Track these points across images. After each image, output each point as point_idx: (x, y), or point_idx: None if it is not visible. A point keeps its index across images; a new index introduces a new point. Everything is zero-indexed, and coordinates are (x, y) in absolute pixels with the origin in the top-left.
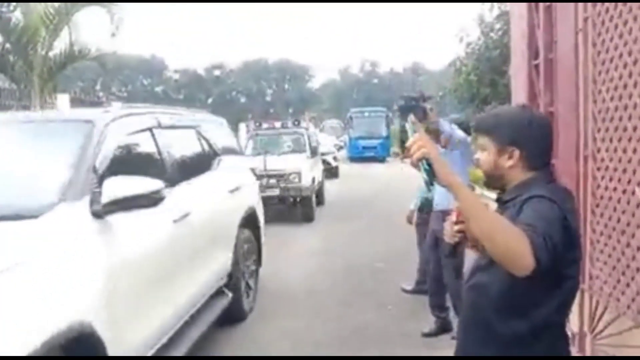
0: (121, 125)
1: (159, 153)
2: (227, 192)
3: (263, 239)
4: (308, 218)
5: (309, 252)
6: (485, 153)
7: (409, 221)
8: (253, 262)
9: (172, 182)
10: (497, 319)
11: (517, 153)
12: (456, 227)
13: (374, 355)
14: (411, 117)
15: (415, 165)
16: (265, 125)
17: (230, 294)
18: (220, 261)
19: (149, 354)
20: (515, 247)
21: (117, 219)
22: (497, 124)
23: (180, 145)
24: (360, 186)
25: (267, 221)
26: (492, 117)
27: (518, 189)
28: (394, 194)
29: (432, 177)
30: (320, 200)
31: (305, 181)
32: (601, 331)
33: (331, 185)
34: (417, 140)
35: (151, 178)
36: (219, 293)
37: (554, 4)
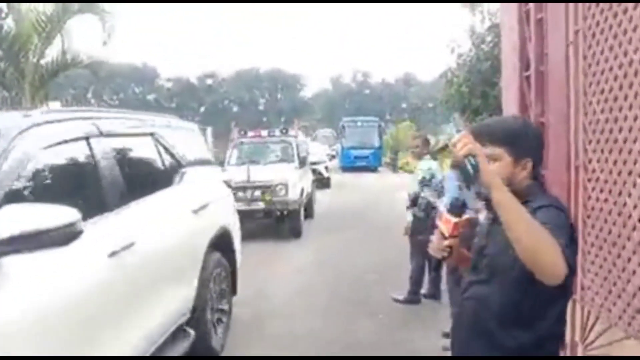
0: (43, 133)
1: (96, 168)
2: (191, 212)
3: (239, 262)
4: (295, 233)
5: (294, 270)
6: (497, 164)
7: (407, 233)
8: (225, 291)
9: (113, 205)
10: (501, 331)
11: (530, 164)
12: (446, 242)
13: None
14: (455, 116)
15: (459, 162)
16: (250, 134)
17: (192, 333)
18: (179, 295)
19: None
20: (553, 255)
21: (14, 262)
22: (515, 136)
23: (128, 158)
24: (352, 197)
25: (251, 237)
26: (506, 129)
27: (518, 197)
28: (386, 205)
29: (475, 175)
30: (309, 213)
31: (293, 194)
32: (592, 342)
33: (322, 196)
34: (463, 137)
35: (66, 206)
36: (180, 332)
37: (545, 16)
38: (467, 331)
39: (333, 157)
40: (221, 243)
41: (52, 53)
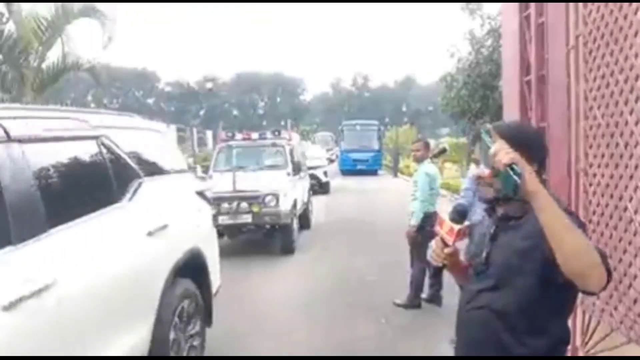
0: None
1: None
2: (144, 235)
3: (215, 288)
4: (288, 250)
5: (283, 297)
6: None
7: (409, 237)
8: (196, 323)
9: (21, 234)
10: (512, 340)
11: (534, 168)
12: (447, 250)
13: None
14: (487, 127)
15: (500, 171)
16: (239, 136)
17: None
18: (128, 342)
19: None
20: (596, 262)
21: None
22: (529, 140)
23: (55, 169)
24: (352, 203)
25: (236, 254)
26: (522, 132)
27: (523, 205)
28: (388, 212)
29: (517, 183)
30: (305, 224)
31: (285, 205)
32: (594, 346)
33: (320, 203)
34: (503, 146)
35: None
36: None
37: (545, 21)
38: (474, 342)
39: (332, 161)
40: (191, 268)
41: (52, 57)
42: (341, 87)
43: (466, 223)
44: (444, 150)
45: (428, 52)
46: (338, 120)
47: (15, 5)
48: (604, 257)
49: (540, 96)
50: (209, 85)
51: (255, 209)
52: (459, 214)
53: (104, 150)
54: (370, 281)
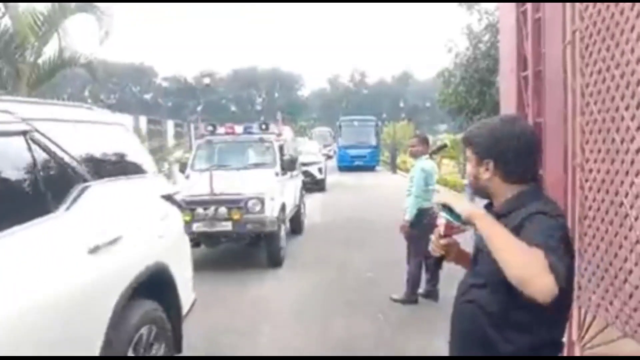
0: None
1: None
2: (86, 251)
3: (187, 307)
4: (274, 261)
5: (266, 316)
6: (469, 165)
7: (403, 231)
8: (160, 350)
9: None
10: (497, 336)
11: (491, 165)
12: (442, 241)
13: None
14: (440, 204)
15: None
16: (221, 130)
17: None
18: None
19: None
20: (540, 280)
21: None
22: (477, 136)
23: None
24: (348, 201)
25: (214, 267)
26: (474, 130)
27: (510, 204)
28: (388, 210)
29: (454, 216)
30: (296, 228)
31: (271, 210)
32: (589, 341)
33: (316, 201)
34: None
35: None
36: None
37: (542, 16)
38: (463, 334)
39: (330, 157)
40: (155, 286)
41: (48, 52)
42: (339, 83)
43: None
44: (444, 146)
45: (425, 48)
46: (336, 116)
47: None
48: (553, 267)
49: (536, 92)
50: (207, 80)
51: (235, 215)
52: (449, 208)
53: (35, 148)
54: (368, 277)
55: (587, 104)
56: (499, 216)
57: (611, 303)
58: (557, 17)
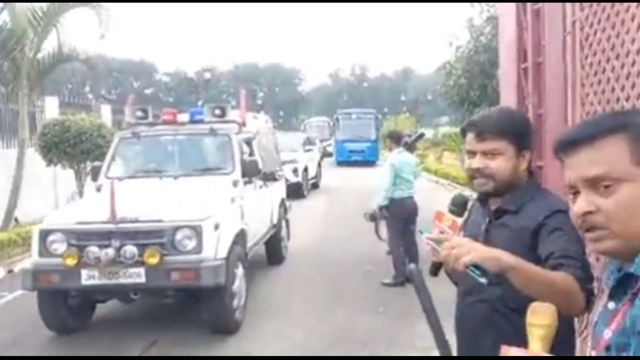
0: None
1: None
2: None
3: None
4: (222, 327)
5: None
6: (500, 158)
7: (371, 219)
8: None
9: None
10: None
11: (528, 155)
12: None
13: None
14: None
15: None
16: (152, 119)
17: None
18: None
19: None
20: (572, 302)
21: None
22: (515, 126)
23: None
24: (345, 207)
25: (140, 326)
26: (505, 119)
27: (518, 197)
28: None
29: (485, 275)
30: (275, 258)
31: (214, 248)
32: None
33: (300, 208)
34: (450, 250)
35: None
36: None
37: (542, 7)
38: (476, 336)
39: (327, 155)
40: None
41: (48, 47)
42: (340, 77)
43: (467, 215)
44: (421, 135)
45: (427, 41)
46: (336, 111)
47: None
48: (581, 281)
49: (537, 83)
50: (207, 75)
51: (151, 257)
52: (458, 205)
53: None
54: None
55: (587, 95)
56: (505, 212)
57: None
58: (556, 7)
